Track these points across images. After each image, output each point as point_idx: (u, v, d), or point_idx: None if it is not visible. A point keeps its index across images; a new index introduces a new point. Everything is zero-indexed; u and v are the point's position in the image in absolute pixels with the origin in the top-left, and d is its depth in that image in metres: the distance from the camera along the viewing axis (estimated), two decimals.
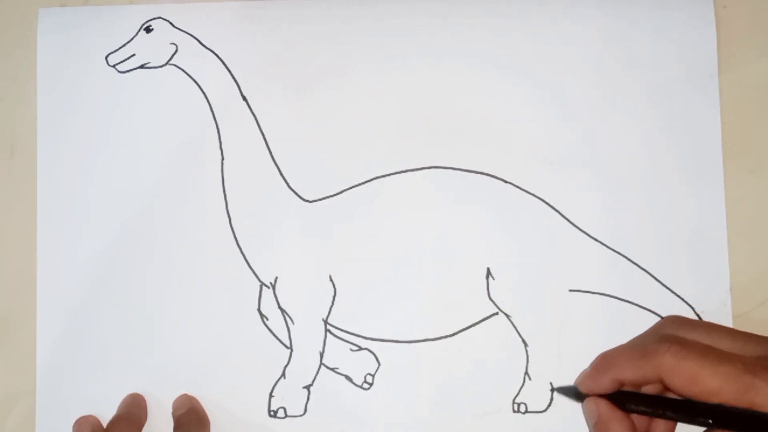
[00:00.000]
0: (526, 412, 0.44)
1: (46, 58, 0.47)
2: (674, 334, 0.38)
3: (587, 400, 0.40)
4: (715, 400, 0.36)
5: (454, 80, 0.46)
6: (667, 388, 0.38)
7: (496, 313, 0.45)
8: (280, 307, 0.45)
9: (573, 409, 0.44)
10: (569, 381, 0.44)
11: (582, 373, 0.41)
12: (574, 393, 0.42)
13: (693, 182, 0.45)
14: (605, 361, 0.40)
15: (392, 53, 0.47)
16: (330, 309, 0.45)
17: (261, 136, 0.46)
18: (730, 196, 0.45)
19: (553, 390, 0.44)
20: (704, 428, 0.37)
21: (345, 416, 0.45)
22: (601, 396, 0.40)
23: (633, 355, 0.38)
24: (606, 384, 0.39)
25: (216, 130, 0.46)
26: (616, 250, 0.45)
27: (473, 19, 0.47)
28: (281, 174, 0.46)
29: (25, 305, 0.46)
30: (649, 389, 0.39)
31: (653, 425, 0.40)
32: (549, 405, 0.44)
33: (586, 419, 0.41)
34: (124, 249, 0.46)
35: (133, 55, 0.47)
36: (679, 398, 0.38)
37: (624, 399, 0.39)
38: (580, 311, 0.44)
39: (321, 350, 0.45)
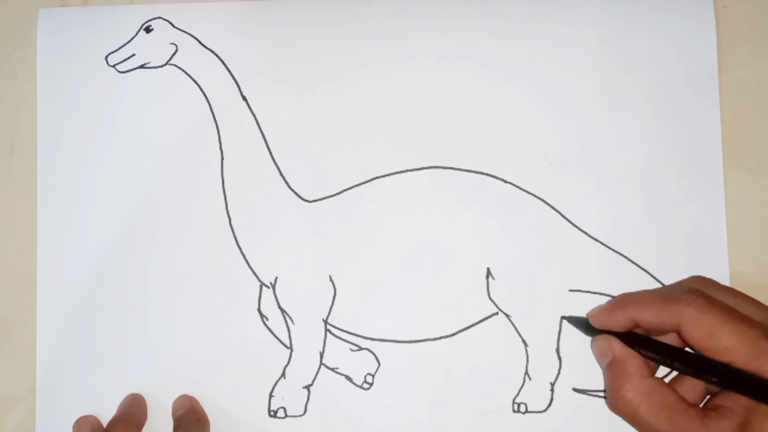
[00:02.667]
0: (526, 412, 0.44)
1: (46, 58, 0.47)
2: (701, 290, 0.39)
3: (600, 337, 0.41)
4: (726, 357, 0.36)
5: (453, 81, 0.46)
6: (681, 340, 0.38)
7: (496, 313, 0.45)
8: (280, 307, 0.45)
9: (573, 409, 0.44)
10: (569, 381, 0.44)
11: (597, 306, 0.41)
12: (583, 325, 0.42)
13: (693, 182, 0.45)
14: (625, 299, 0.41)
15: (392, 54, 0.47)
16: (330, 309, 0.45)
17: (261, 136, 0.46)
18: (730, 196, 0.45)
19: (563, 319, 0.44)
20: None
21: (345, 416, 0.45)
22: (611, 334, 0.40)
23: (656, 298, 0.39)
24: (620, 321, 0.40)
25: (216, 130, 0.46)
26: (616, 250, 0.45)
27: (473, 21, 0.47)
28: (281, 174, 0.46)
29: (25, 305, 0.46)
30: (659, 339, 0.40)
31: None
32: (549, 405, 0.44)
33: (597, 356, 0.42)
34: (124, 249, 0.46)
35: (133, 55, 0.47)
36: (689, 351, 0.38)
37: (634, 341, 0.40)
38: (580, 311, 0.44)
39: (321, 350, 0.45)
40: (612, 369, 0.40)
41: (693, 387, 0.40)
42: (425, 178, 0.46)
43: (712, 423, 0.37)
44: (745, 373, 0.36)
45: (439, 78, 0.46)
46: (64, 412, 0.45)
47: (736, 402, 0.37)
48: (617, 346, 0.40)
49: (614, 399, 0.39)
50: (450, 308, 0.45)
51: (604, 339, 0.41)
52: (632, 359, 0.39)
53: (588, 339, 0.44)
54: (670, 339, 0.40)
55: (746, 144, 0.46)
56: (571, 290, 0.45)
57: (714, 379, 0.37)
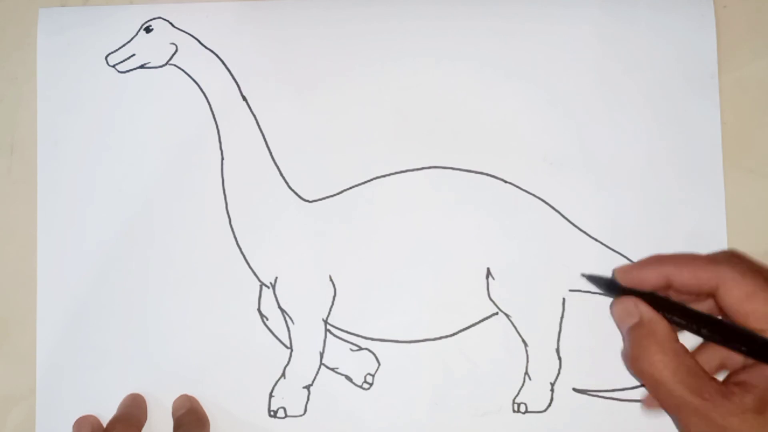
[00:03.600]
0: (526, 412, 0.44)
1: (46, 58, 0.47)
2: (740, 256, 0.38)
3: (626, 299, 0.39)
4: (760, 324, 0.36)
5: (453, 81, 0.46)
6: (716, 305, 0.38)
7: (496, 313, 0.45)
8: (280, 307, 0.45)
9: (573, 409, 0.44)
10: (569, 381, 0.44)
11: (625, 264, 0.40)
12: (605, 284, 0.41)
13: (693, 182, 0.45)
14: (661, 258, 0.39)
15: (392, 54, 0.47)
16: (330, 309, 0.45)
17: (261, 136, 0.46)
18: (730, 196, 0.45)
19: (582, 276, 0.42)
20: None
21: (345, 416, 0.45)
22: (636, 296, 0.39)
23: (697, 258, 0.38)
24: (653, 279, 0.39)
25: (216, 130, 0.46)
26: (616, 250, 0.45)
27: (473, 21, 0.47)
28: (281, 174, 0.46)
29: (25, 305, 0.46)
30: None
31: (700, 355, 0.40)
32: (549, 405, 0.44)
33: (618, 318, 0.40)
34: (124, 249, 0.46)
35: (133, 55, 0.47)
36: (716, 317, 0.38)
37: (659, 305, 0.38)
38: (580, 311, 0.44)
39: (321, 350, 0.45)
40: (637, 331, 0.38)
41: (710, 358, 0.40)
42: (425, 178, 0.46)
43: (735, 397, 0.36)
44: None
45: (439, 78, 0.46)
46: (64, 412, 0.45)
47: (760, 377, 0.37)
48: (645, 308, 0.38)
49: (638, 361, 0.38)
50: (450, 308, 0.45)
51: (630, 301, 0.39)
52: (662, 322, 0.38)
53: (587, 338, 0.44)
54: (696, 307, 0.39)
55: (746, 144, 0.46)
56: (571, 290, 0.45)
57: (743, 348, 0.36)
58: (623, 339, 0.40)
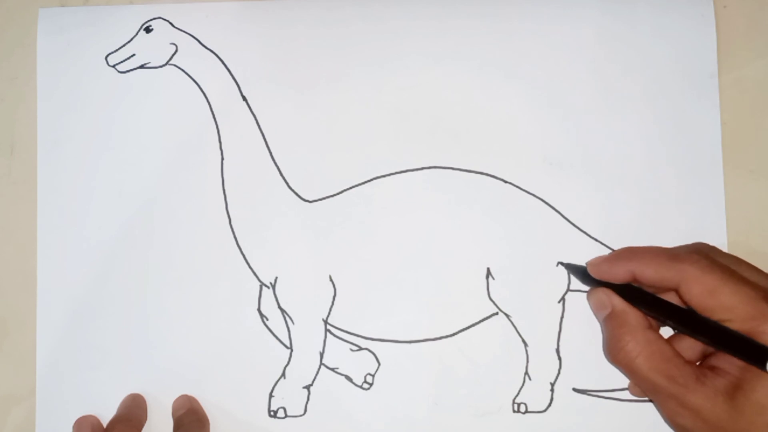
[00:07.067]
0: (526, 412, 0.44)
1: (46, 58, 0.47)
2: (704, 251, 0.39)
3: (599, 290, 0.41)
4: (725, 316, 0.37)
5: (453, 81, 0.46)
6: (680, 299, 0.39)
7: (496, 313, 0.45)
8: (280, 307, 0.45)
9: (573, 409, 0.44)
10: (569, 381, 0.44)
11: (598, 256, 0.42)
12: (581, 273, 0.42)
13: (693, 182, 0.45)
14: (628, 252, 0.41)
15: (392, 54, 0.47)
16: (330, 309, 0.45)
17: (261, 136, 0.46)
18: (730, 196, 0.45)
19: (560, 264, 0.44)
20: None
21: (345, 416, 0.45)
22: (608, 287, 0.41)
23: (660, 255, 0.39)
24: (620, 274, 0.40)
25: (216, 130, 0.46)
26: (616, 250, 0.45)
27: (473, 21, 0.47)
28: (281, 174, 0.46)
29: (25, 305, 0.46)
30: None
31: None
32: (549, 405, 0.44)
33: (593, 309, 0.42)
34: (124, 249, 0.46)
35: (133, 55, 0.47)
36: (684, 308, 0.38)
37: (630, 295, 0.40)
38: (580, 311, 0.44)
39: (321, 350, 0.45)
40: (611, 321, 0.40)
41: (690, 345, 0.41)
42: (425, 178, 0.46)
43: (708, 381, 0.37)
44: (737, 334, 0.36)
45: (439, 78, 0.46)
46: (64, 412, 0.45)
47: (731, 363, 0.38)
48: (616, 300, 0.40)
49: (614, 350, 0.39)
50: (450, 308, 0.45)
51: (602, 292, 0.41)
52: (633, 312, 0.40)
53: (587, 338, 0.44)
54: (667, 298, 0.40)
55: (746, 144, 0.46)
56: (571, 290, 0.45)
57: (707, 339, 0.37)
58: (601, 329, 0.42)
